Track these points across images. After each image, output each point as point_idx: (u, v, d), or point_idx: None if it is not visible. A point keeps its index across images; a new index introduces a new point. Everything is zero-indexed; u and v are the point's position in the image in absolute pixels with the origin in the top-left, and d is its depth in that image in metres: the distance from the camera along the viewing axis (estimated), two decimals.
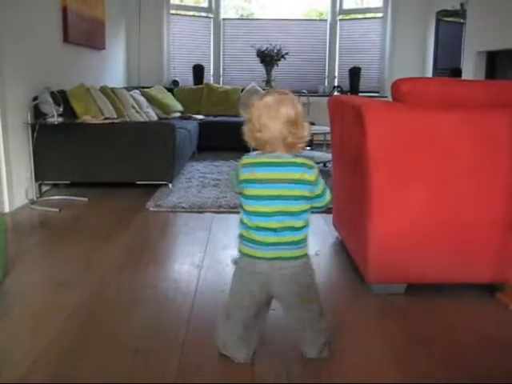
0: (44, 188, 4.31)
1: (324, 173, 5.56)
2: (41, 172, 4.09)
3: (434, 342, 1.98)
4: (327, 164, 5.23)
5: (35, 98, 3.95)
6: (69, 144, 4.18)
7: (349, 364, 1.83)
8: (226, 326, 1.81)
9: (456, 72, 5.65)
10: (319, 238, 3.22)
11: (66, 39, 4.79)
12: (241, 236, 1.74)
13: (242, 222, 1.73)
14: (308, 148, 6.04)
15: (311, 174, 1.65)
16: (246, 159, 1.71)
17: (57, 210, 3.74)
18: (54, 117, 3.80)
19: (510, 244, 2.25)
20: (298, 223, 1.67)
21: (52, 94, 3.91)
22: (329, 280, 2.63)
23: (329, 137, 3.67)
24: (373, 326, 2.13)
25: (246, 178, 1.68)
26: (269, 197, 1.64)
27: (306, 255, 1.73)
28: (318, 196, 1.71)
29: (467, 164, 2.18)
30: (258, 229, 1.67)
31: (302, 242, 1.70)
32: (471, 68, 5.25)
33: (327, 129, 4.29)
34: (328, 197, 1.75)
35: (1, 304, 2.29)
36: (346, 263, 2.77)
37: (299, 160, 1.66)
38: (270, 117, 1.62)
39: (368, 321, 2.17)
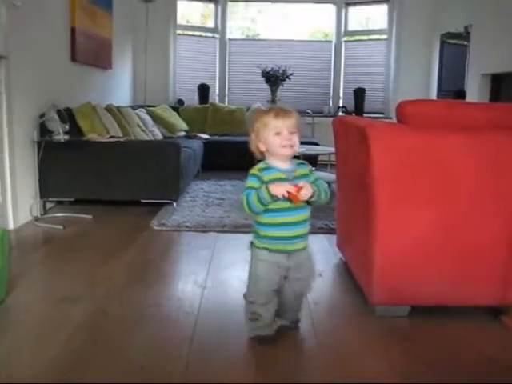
0: (48, 205, 4.32)
1: None
2: (46, 189, 4.11)
3: (436, 364, 1.97)
4: (331, 184, 5.24)
5: (42, 116, 3.98)
6: (74, 162, 4.20)
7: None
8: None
9: (460, 94, 5.68)
10: (323, 259, 3.21)
11: (73, 58, 4.84)
12: None
13: None
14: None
15: None
16: None
17: (61, 227, 3.75)
18: (60, 134, 3.83)
19: None
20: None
21: (58, 111, 3.94)
22: (332, 301, 2.62)
23: (333, 157, 3.68)
24: (376, 347, 2.12)
25: None
26: None
27: (253, 245, 2.05)
28: None
29: (471, 186, 2.18)
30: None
31: (254, 232, 2.05)
32: (475, 90, 5.28)
33: (332, 149, 4.30)
34: (241, 206, 1.94)
35: (5, 320, 2.28)
36: (350, 285, 2.75)
37: None
38: None
39: (371, 343, 2.16)
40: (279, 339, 2.09)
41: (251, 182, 1.92)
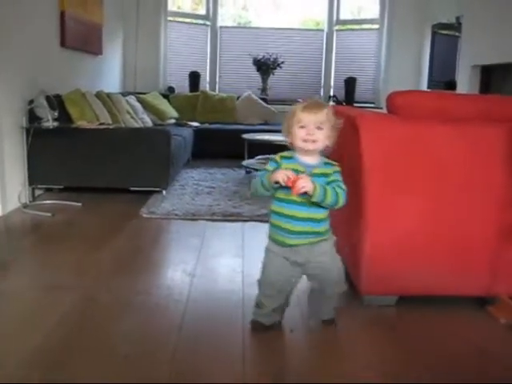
0: (37, 192, 4.30)
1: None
2: (34, 176, 4.08)
3: (424, 353, 1.99)
4: None
5: (30, 102, 3.95)
6: (63, 149, 4.18)
7: (338, 375, 1.83)
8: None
9: (451, 85, 5.70)
10: None
11: (63, 43, 4.79)
12: None
13: None
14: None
15: None
16: None
17: (50, 214, 3.73)
18: (49, 121, 3.80)
19: (502, 258, 2.26)
20: None
21: (47, 98, 3.91)
22: None
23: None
24: (363, 336, 2.14)
25: None
26: None
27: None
28: None
29: (460, 176, 2.19)
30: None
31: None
32: (466, 81, 5.29)
33: None
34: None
35: None
36: None
37: None
38: None
39: (358, 331, 2.18)
40: (270, 330, 2.11)
41: (268, 165, 1.92)
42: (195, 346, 1.98)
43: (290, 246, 1.94)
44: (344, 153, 2.55)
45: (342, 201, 1.89)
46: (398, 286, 2.33)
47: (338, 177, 1.93)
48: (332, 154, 2.94)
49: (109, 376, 1.75)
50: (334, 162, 1.98)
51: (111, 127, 4.45)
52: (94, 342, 1.99)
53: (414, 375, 1.84)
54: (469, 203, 2.21)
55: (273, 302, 2.04)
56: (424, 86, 6.90)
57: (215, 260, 2.97)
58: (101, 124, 4.43)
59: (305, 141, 1.87)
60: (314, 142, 1.87)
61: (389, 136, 2.19)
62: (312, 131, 1.86)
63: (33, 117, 3.95)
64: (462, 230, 2.24)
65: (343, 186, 1.91)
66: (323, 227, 1.97)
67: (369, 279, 2.32)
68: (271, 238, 1.99)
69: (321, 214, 1.93)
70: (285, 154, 1.93)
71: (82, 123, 4.30)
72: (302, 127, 1.87)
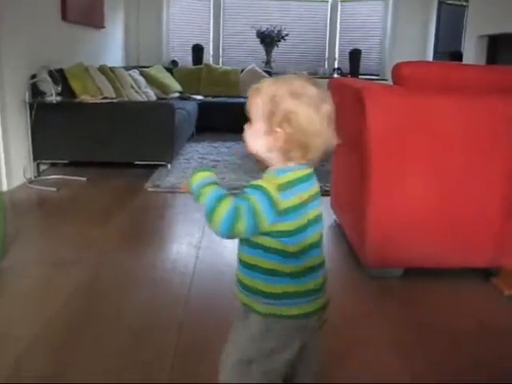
0: (42, 167, 4.30)
1: None
2: (39, 151, 4.08)
3: (430, 326, 2.00)
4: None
5: (33, 77, 3.92)
6: (67, 123, 4.17)
7: (346, 348, 1.85)
8: None
9: (457, 55, 5.62)
10: None
11: (64, 17, 4.73)
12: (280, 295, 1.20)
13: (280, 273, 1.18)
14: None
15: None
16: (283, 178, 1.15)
17: (55, 189, 3.74)
18: (53, 96, 3.78)
19: (507, 230, 2.26)
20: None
21: (50, 72, 3.88)
22: (326, 262, 2.64)
23: None
24: (370, 309, 2.15)
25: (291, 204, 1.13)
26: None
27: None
28: None
29: (466, 149, 2.17)
30: (312, 271, 1.24)
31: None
32: (472, 52, 5.22)
33: None
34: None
35: (0, 282, 2.29)
36: (344, 246, 2.78)
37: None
38: None
39: (365, 304, 2.19)
40: None
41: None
42: (202, 318, 2.00)
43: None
44: (347, 126, 2.53)
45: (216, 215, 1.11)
46: (403, 258, 2.34)
47: (247, 190, 1.14)
48: (336, 125, 2.93)
49: (117, 350, 1.77)
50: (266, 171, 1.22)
51: (115, 101, 4.43)
52: (102, 316, 2.01)
53: (419, 347, 1.85)
54: (474, 175, 2.20)
55: None
56: (430, 57, 6.82)
57: None
58: (104, 98, 4.41)
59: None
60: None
61: (394, 108, 2.16)
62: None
63: (36, 92, 3.93)
64: (466, 203, 2.23)
65: (239, 202, 1.10)
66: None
67: (374, 251, 2.33)
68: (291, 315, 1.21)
69: (248, 255, 1.23)
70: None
71: (85, 97, 4.28)
72: None
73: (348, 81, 2.65)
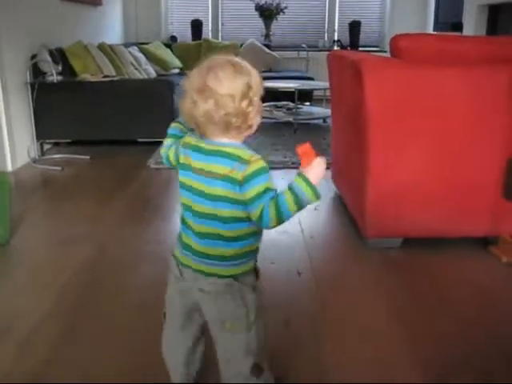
0: (45, 147, 4.34)
1: (323, 128, 5.51)
2: (42, 131, 4.11)
3: (429, 293, 2.06)
4: (326, 120, 5.25)
5: (33, 57, 3.94)
6: (69, 102, 4.19)
7: (347, 317, 1.90)
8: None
9: (457, 26, 5.58)
10: None
11: None
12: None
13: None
14: (307, 104, 6.03)
15: (240, 172, 1.15)
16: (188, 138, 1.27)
17: (59, 168, 3.78)
18: (53, 75, 3.79)
19: (504, 199, 2.30)
20: (227, 233, 1.22)
21: (50, 52, 3.89)
22: (327, 234, 2.70)
23: (328, 92, 3.67)
24: (369, 278, 2.20)
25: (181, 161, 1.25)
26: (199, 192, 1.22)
27: (235, 276, 1.26)
28: (248, 204, 1.17)
29: (465, 121, 2.20)
30: (187, 228, 1.30)
31: (232, 258, 1.25)
32: (472, 22, 5.19)
33: (326, 84, 4.28)
34: (266, 221, 1.16)
35: (8, 262, 2.35)
36: (344, 217, 2.82)
37: (235, 151, 1.18)
38: None
39: (365, 273, 2.24)
40: (279, 274, 2.17)
41: (268, 180, 1.18)
42: None
43: None
44: (346, 99, 2.56)
45: None
46: (402, 228, 2.39)
47: None
48: (335, 98, 2.95)
49: (125, 325, 1.83)
50: None
51: (115, 79, 4.44)
52: (109, 292, 2.06)
53: (418, 316, 1.91)
54: (472, 146, 2.23)
55: None
56: (430, 28, 6.78)
57: None
58: (105, 76, 4.42)
59: None
60: None
61: (392, 80, 2.19)
62: None
63: (36, 72, 3.95)
64: (464, 173, 2.27)
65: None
66: None
67: (373, 222, 2.37)
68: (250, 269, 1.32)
69: None
70: (248, 153, 1.19)
71: (85, 76, 4.29)
72: None
73: (347, 53, 2.66)
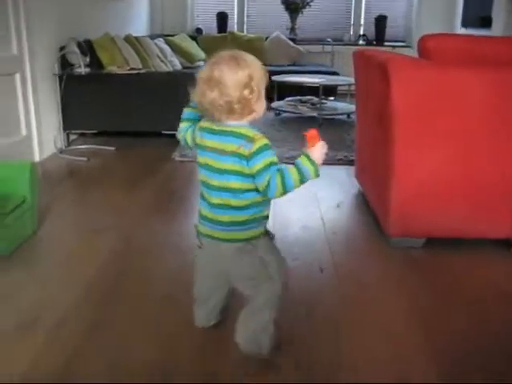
0: (71, 137, 4.40)
1: (347, 124, 5.47)
2: (68, 122, 4.17)
3: (450, 294, 2.06)
4: (351, 115, 5.23)
5: (61, 49, 3.99)
6: (95, 94, 4.24)
7: (369, 315, 1.92)
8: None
9: (486, 20, 5.50)
10: (341, 190, 3.28)
11: None
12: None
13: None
14: (331, 98, 6.02)
15: (246, 149, 1.39)
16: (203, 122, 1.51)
17: (85, 159, 3.84)
18: (81, 67, 3.85)
19: None
20: (237, 202, 1.46)
21: (79, 44, 3.95)
22: (349, 231, 2.71)
23: (353, 87, 3.66)
24: (392, 277, 2.21)
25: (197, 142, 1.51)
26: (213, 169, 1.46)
27: (248, 239, 1.51)
28: (255, 177, 1.40)
29: (489, 122, 2.19)
30: (204, 201, 1.54)
31: (243, 224, 1.49)
32: (502, 17, 5.11)
33: (351, 79, 4.27)
34: (272, 191, 1.39)
35: (39, 250, 2.41)
36: (367, 215, 2.83)
37: (242, 130, 1.42)
38: None
39: (387, 272, 2.25)
40: (302, 270, 2.19)
41: (273, 156, 1.40)
42: None
43: None
44: (372, 98, 2.56)
45: None
46: (425, 228, 2.39)
47: None
48: (361, 95, 2.95)
49: (150, 318, 1.87)
50: None
51: (141, 72, 4.48)
52: (134, 284, 2.10)
53: (438, 317, 1.92)
54: (497, 148, 2.23)
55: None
56: (458, 23, 6.69)
57: None
58: (131, 69, 4.46)
59: None
60: None
61: (419, 81, 2.18)
62: None
63: (64, 63, 4.01)
64: (486, 174, 2.26)
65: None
66: None
67: (396, 221, 2.38)
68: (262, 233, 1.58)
69: None
70: (253, 132, 1.43)
71: (112, 68, 4.34)
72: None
73: (373, 52, 2.66)
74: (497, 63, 2.19)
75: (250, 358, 1.61)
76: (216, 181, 1.45)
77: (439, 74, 2.17)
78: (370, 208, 2.86)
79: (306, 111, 5.29)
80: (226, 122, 1.43)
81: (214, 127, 1.45)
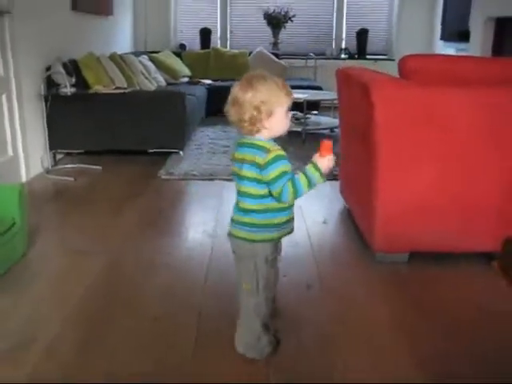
0: (58, 157, 4.41)
1: (331, 138, 5.51)
2: (55, 141, 4.17)
3: (436, 311, 2.11)
4: (334, 129, 5.30)
5: (47, 69, 4.02)
6: (81, 114, 4.26)
7: (355, 330, 1.96)
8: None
9: (464, 35, 5.62)
10: (327, 205, 3.33)
11: (74, 7, 4.79)
12: None
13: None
14: (315, 112, 6.08)
15: (261, 158, 1.58)
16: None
17: (72, 178, 3.86)
18: (67, 87, 3.87)
19: (508, 215, 2.35)
20: (245, 205, 1.66)
21: (64, 64, 3.97)
22: (335, 246, 2.75)
23: (336, 101, 3.71)
24: (378, 293, 2.26)
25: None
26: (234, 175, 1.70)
27: (251, 241, 1.68)
28: (270, 184, 1.59)
29: (471, 140, 2.26)
30: (234, 206, 1.74)
31: (247, 225, 1.67)
32: (479, 34, 5.23)
33: (334, 94, 4.34)
34: (285, 196, 1.59)
35: (28, 274, 2.41)
36: (352, 231, 2.88)
37: (259, 143, 1.62)
38: None
39: (372, 287, 2.30)
40: (289, 287, 2.23)
41: (286, 165, 1.59)
42: (219, 305, 2.11)
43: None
44: (356, 117, 2.62)
45: None
46: (409, 243, 2.44)
47: None
48: (344, 112, 3.01)
49: (141, 340, 1.89)
50: None
51: (127, 91, 4.51)
52: (124, 306, 2.12)
53: (420, 327, 1.97)
54: (478, 163, 2.29)
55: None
56: (437, 36, 6.83)
57: None
58: (117, 88, 4.50)
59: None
60: None
61: (401, 100, 2.24)
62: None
63: (50, 83, 4.03)
64: (469, 190, 2.32)
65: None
66: None
67: (381, 237, 2.43)
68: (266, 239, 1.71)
69: None
70: (273, 143, 1.65)
71: (98, 88, 4.37)
72: (286, 113, 1.66)
73: (356, 71, 2.72)
74: (475, 83, 2.26)
75: (242, 373, 1.67)
76: (240, 186, 1.66)
77: (420, 94, 2.24)
78: (354, 223, 2.91)
79: (291, 126, 5.33)
80: (250, 136, 1.63)
81: (241, 141, 1.67)
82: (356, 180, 2.79)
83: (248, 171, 1.61)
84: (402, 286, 2.31)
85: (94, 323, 1.98)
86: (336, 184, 3.43)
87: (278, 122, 1.63)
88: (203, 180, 3.88)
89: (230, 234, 1.75)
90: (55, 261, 2.56)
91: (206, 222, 3.04)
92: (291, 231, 1.77)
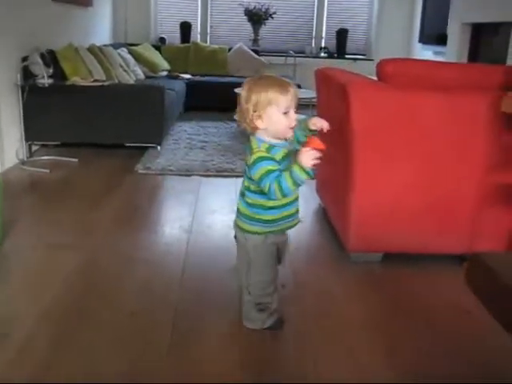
0: (33, 148, 4.37)
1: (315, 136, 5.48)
2: (31, 132, 4.14)
3: (409, 310, 2.15)
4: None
5: (24, 59, 3.97)
6: (59, 105, 4.23)
7: (331, 330, 1.99)
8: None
9: (442, 38, 5.70)
10: (302, 204, 3.33)
11: None
12: None
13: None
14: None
15: (249, 157, 1.69)
16: None
17: (47, 170, 3.82)
18: (44, 78, 3.83)
19: (482, 218, 2.40)
20: (245, 197, 1.80)
21: (42, 55, 3.93)
22: (311, 246, 2.78)
23: (314, 99, 3.74)
24: (352, 293, 2.29)
25: None
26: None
27: (247, 231, 1.81)
28: (258, 182, 1.68)
29: (445, 142, 2.30)
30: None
31: (244, 216, 1.81)
32: (456, 38, 5.31)
33: (313, 93, 4.36)
34: (272, 193, 1.65)
35: (2, 268, 2.40)
36: (327, 230, 2.91)
37: (252, 142, 1.71)
38: None
39: (346, 287, 2.33)
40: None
41: (269, 165, 1.64)
42: (195, 300, 2.12)
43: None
44: (333, 117, 2.64)
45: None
46: (383, 244, 2.48)
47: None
48: (322, 115, 3.03)
49: (117, 335, 1.89)
50: None
51: (105, 84, 4.47)
52: (100, 301, 2.12)
53: (394, 326, 2.01)
54: (452, 166, 2.34)
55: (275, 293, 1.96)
56: (416, 39, 6.91)
57: (210, 216, 3.10)
58: (95, 81, 4.46)
59: (291, 128, 1.69)
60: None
61: (378, 103, 2.28)
62: (294, 116, 1.69)
63: (27, 74, 3.98)
64: (443, 193, 2.37)
65: None
66: None
67: (356, 237, 2.46)
68: (256, 232, 1.81)
69: None
70: (264, 146, 1.69)
71: (76, 80, 4.33)
72: (285, 113, 1.65)
73: (334, 72, 2.75)
74: (450, 87, 2.30)
75: (215, 374, 1.67)
76: (244, 182, 1.80)
77: (397, 97, 2.27)
78: (330, 223, 2.94)
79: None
80: (254, 135, 1.72)
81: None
82: (332, 180, 2.82)
83: (245, 168, 1.75)
84: (376, 285, 2.35)
85: (70, 318, 1.98)
86: (312, 183, 3.46)
87: (273, 122, 1.66)
88: (180, 175, 3.88)
89: (234, 221, 1.89)
90: (30, 255, 2.53)
91: (182, 217, 3.04)
92: (287, 228, 1.88)
